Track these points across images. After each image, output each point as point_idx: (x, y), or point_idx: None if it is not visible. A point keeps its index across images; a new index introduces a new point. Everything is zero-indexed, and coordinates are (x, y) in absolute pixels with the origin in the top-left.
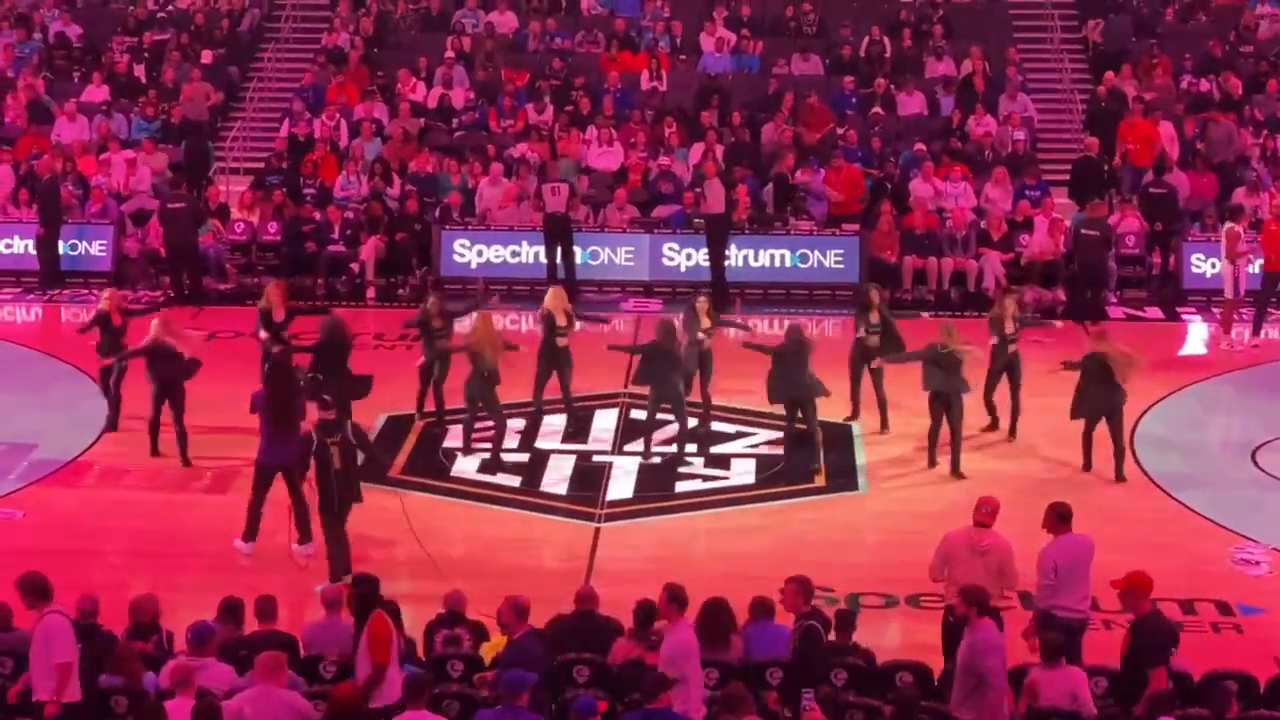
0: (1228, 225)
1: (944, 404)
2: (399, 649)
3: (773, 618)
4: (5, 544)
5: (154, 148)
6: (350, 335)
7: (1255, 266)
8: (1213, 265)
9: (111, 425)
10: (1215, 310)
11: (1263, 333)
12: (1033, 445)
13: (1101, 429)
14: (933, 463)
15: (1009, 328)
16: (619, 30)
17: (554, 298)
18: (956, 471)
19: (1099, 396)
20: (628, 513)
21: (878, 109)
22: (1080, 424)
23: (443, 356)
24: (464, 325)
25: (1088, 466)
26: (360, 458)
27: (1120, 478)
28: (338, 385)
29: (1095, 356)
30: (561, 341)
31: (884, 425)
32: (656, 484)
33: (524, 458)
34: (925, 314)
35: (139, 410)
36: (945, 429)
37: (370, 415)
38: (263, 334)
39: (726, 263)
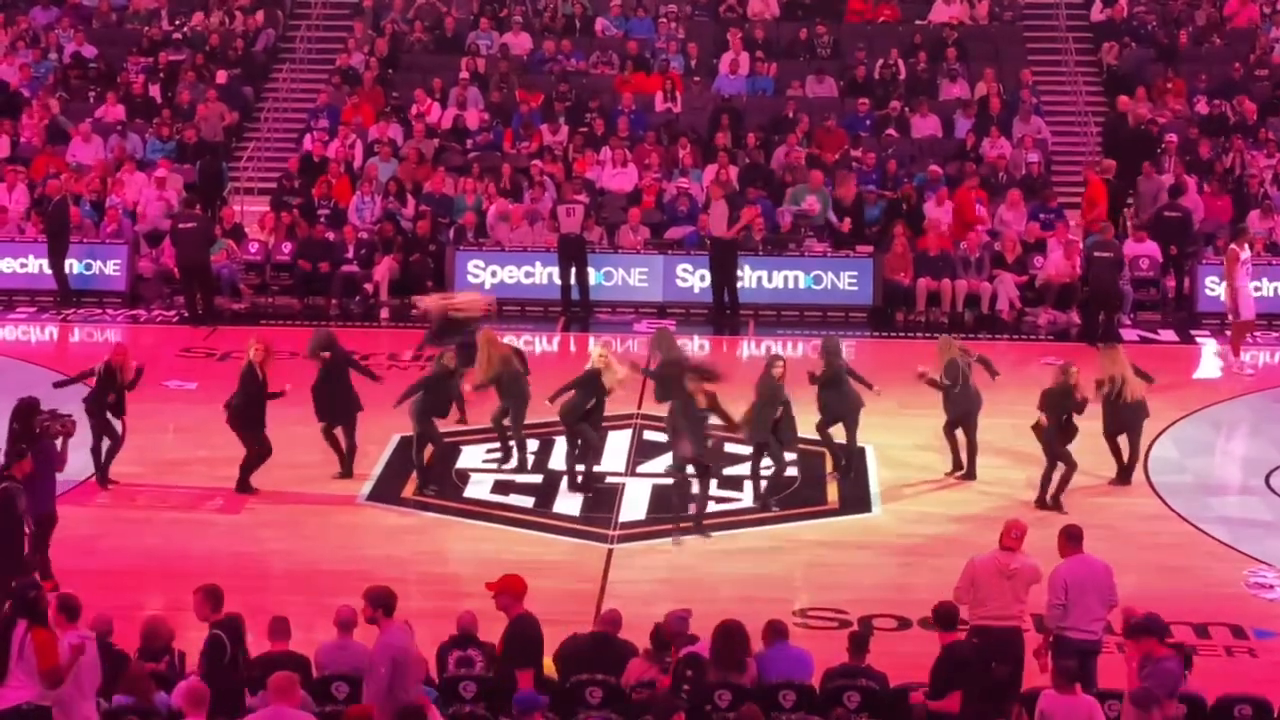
0: (1230, 247)
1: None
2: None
3: (787, 639)
4: None
5: (172, 168)
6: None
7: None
8: None
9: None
10: (1226, 332)
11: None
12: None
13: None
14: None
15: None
16: (633, 51)
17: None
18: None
19: (1127, 411)
20: (640, 534)
21: (892, 131)
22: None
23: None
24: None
25: (1125, 478)
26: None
27: (1125, 481)
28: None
29: (1114, 379)
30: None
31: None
32: (669, 505)
33: (537, 479)
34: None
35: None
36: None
37: (384, 434)
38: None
39: (739, 285)
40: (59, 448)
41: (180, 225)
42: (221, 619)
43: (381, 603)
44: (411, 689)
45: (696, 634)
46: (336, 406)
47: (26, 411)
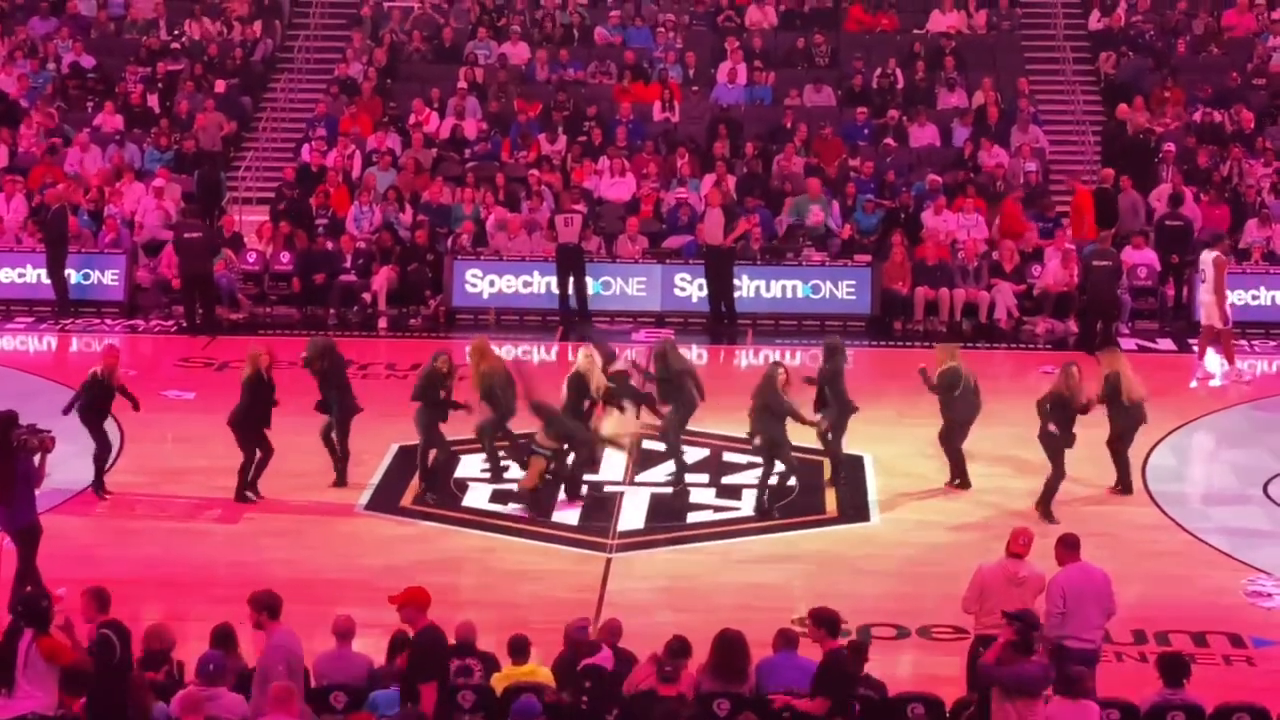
0: (1215, 254)
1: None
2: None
3: (796, 649)
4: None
5: (170, 177)
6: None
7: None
8: None
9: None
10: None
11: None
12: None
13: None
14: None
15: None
16: (630, 61)
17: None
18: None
19: (1126, 415)
20: (639, 543)
21: (890, 140)
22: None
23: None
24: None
25: (1128, 488)
26: None
27: (1126, 490)
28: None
29: (1110, 378)
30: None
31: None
32: (668, 514)
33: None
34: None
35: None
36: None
37: (382, 443)
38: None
39: (737, 294)
40: (37, 463)
41: (185, 235)
42: (108, 620)
43: (265, 606)
44: (299, 690)
45: (600, 642)
46: (343, 408)
47: (4, 424)
